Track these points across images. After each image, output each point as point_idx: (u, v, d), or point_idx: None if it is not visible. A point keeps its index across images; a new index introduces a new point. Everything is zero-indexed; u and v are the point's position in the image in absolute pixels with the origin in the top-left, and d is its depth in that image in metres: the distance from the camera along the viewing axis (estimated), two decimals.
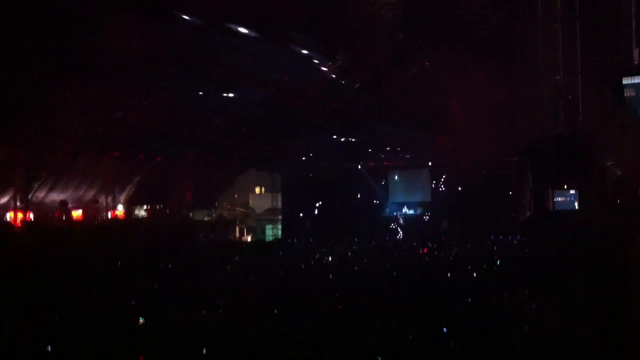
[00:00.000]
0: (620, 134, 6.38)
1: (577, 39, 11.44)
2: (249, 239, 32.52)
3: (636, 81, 4.97)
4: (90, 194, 23.95)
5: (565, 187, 6.78)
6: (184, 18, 14.36)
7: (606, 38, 8.53)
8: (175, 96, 19.87)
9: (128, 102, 19.40)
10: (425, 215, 31.56)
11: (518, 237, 23.18)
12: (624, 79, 5.02)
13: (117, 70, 16.26)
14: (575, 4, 11.52)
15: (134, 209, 27.31)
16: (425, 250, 21.12)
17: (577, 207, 6.62)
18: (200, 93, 20.02)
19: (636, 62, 5.67)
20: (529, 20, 14.38)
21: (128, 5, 13.25)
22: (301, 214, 31.92)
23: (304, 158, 29.54)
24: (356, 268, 16.56)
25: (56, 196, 21.92)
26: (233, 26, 14.97)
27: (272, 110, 21.72)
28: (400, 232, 30.75)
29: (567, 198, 6.76)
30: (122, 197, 26.02)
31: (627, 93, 5.03)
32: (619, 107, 5.50)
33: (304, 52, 16.77)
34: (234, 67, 17.88)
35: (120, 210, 25.64)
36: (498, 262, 16.29)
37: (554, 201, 6.80)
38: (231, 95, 20.53)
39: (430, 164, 31.33)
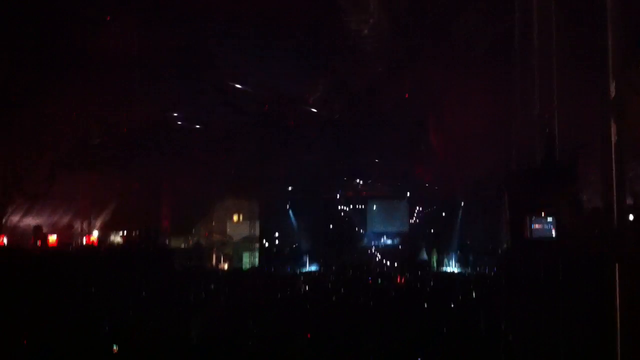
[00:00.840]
0: (595, 165, 6.48)
1: (553, 74, 11.64)
2: (226, 266, 32.25)
3: None
4: (65, 219, 23.69)
5: (543, 214, 6.84)
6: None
7: (582, 73, 8.69)
8: (153, 121, 19.82)
9: (106, 127, 19.30)
10: (403, 246, 31.60)
11: (494, 269, 23.28)
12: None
13: (95, 92, 16.20)
14: (552, 39, 11.75)
15: (110, 235, 27.02)
16: (403, 280, 21.10)
17: (554, 235, 6.67)
18: (178, 122, 19.98)
19: (612, 97, 5.79)
20: (507, 54, 14.63)
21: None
22: (278, 243, 31.81)
23: (282, 186, 29.52)
24: (334, 298, 16.48)
25: (31, 221, 21.66)
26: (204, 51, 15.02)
27: (250, 139, 21.75)
28: (378, 262, 30.74)
29: (544, 225, 6.82)
30: (98, 223, 25.75)
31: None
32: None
33: (284, 77, 16.86)
34: (210, 94, 17.90)
35: (95, 236, 25.36)
36: (474, 293, 16.32)
37: (531, 229, 6.85)
38: (207, 122, 20.51)
39: (408, 194, 31.49)
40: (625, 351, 5.20)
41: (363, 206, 32.69)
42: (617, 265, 5.28)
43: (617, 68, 5.90)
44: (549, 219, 6.74)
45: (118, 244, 27.04)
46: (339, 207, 32.42)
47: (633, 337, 5.08)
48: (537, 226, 6.84)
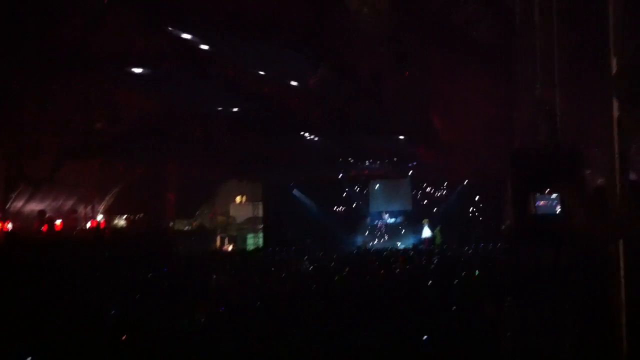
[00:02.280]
0: (597, 143, 6.47)
1: (554, 51, 11.56)
2: (230, 248, 32.43)
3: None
4: (69, 204, 23.79)
5: (547, 191, 6.85)
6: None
7: (584, 49, 8.63)
8: (155, 106, 19.82)
9: (108, 112, 19.30)
10: (407, 224, 31.72)
11: (499, 245, 23.39)
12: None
13: (97, 78, 16.21)
14: (553, 17, 11.65)
15: (114, 219, 27.15)
16: (403, 258, 21.16)
17: (558, 211, 6.68)
18: (181, 101, 19.97)
19: (614, 72, 5.75)
20: (509, 33, 14.55)
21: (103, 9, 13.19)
22: (282, 223, 31.94)
23: (285, 168, 29.55)
24: (336, 278, 16.52)
25: (35, 206, 21.75)
26: (212, 33, 15.01)
27: (254, 119, 21.75)
28: (382, 240, 30.89)
29: (549, 202, 6.83)
30: (102, 207, 25.86)
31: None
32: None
33: (289, 59, 16.82)
34: (213, 76, 17.88)
35: (99, 219, 25.48)
36: (477, 271, 16.35)
37: (535, 205, 6.87)
38: (210, 106, 20.53)
39: (410, 173, 31.53)
40: (631, 330, 5.23)
41: (365, 187, 32.78)
42: (620, 241, 5.30)
43: (617, 44, 5.86)
44: (553, 196, 6.75)
45: (122, 227, 27.19)
46: (343, 188, 32.50)
47: (638, 313, 5.11)
48: (541, 203, 6.85)
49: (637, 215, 5.26)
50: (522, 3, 12.72)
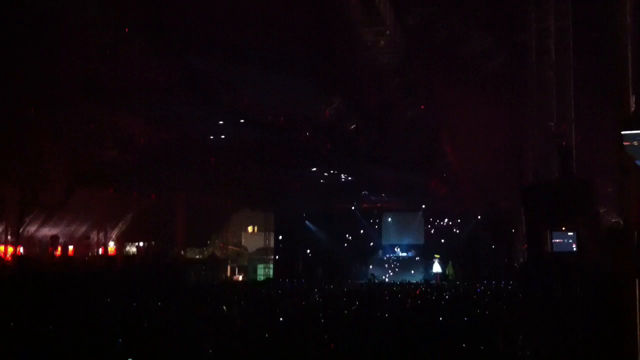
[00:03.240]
0: (615, 180, 6.42)
1: (571, 86, 11.58)
2: (240, 278, 32.31)
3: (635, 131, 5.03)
4: (81, 230, 23.86)
5: (564, 229, 6.78)
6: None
7: (601, 85, 8.63)
8: (168, 134, 19.93)
9: (123, 140, 19.43)
10: (418, 258, 31.46)
11: (510, 282, 23.16)
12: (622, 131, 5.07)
13: (112, 106, 16.35)
14: (570, 51, 11.70)
15: (126, 246, 27.17)
16: (417, 292, 20.97)
17: (574, 249, 6.60)
18: (193, 131, 20.04)
19: (633, 109, 5.73)
20: (524, 67, 14.58)
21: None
22: (294, 255, 31.82)
23: (298, 198, 29.54)
24: (345, 312, 16.36)
25: (47, 231, 21.83)
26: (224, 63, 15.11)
27: (267, 150, 21.81)
28: (393, 274, 30.62)
29: (565, 240, 6.75)
30: (114, 234, 25.90)
31: (626, 142, 5.07)
32: (619, 156, 5.53)
33: (300, 92, 16.89)
34: (226, 107, 17.97)
35: (111, 246, 25.50)
36: (486, 309, 16.16)
37: (552, 242, 6.79)
38: (223, 136, 20.60)
39: (423, 207, 31.39)
40: None
41: (378, 219, 32.62)
42: (637, 280, 5.22)
43: (636, 81, 5.85)
44: (570, 234, 6.68)
45: (134, 255, 27.19)
46: (355, 220, 32.37)
47: None
48: (557, 241, 6.78)
49: None
50: (537, 37, 12.76)
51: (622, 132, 5.04)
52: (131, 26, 13.23)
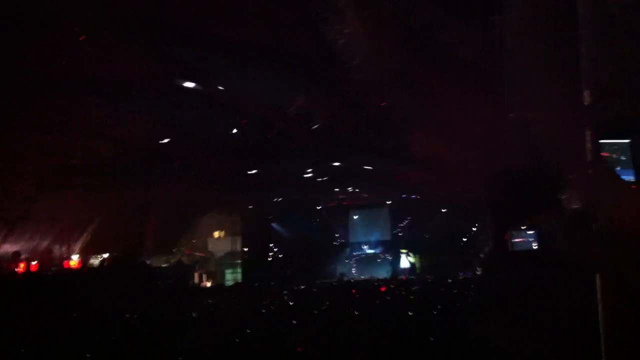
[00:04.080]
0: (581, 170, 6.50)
1: (535, 78, 11.66)
2: (209, 284, 32.08)
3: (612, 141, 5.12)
4: (44, 244, 23.43)
5: (523, 227, 6.84)
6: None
7: (562, 78, 8.72)
8: (134, 142, 19.64)
9: (84, 147, 19.07)
10: (386, 254, 31.65)
11: (478, 274, 23.44)
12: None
13: (72, 112, 16.04)
14: (538, 39, 11.73)
15: (90, 258, 26.72)
16: (384, 288, 21.10)
17: (535, 247, 6.67)
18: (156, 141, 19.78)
19: (586, 104, 5.81)
20: (490, 57, 14.65)
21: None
22: (261, 257, 31.75)
23: (264, 199, 29.46)
24: (315, 312, 16.41)
25: (9, 247, 21.40)
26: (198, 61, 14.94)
27: (232, 152, 21.64)
28: (361, 271, 30.75)
29: (526, 238, 6.81)
30: (78, 246, 25.48)
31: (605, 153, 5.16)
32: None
33: (267, 84, 16.77)
34: (193, 108, 17.76)
35: (74, 260, 25.06)
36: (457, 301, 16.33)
37: (512, 241, 6.85)
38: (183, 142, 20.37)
39: (389, 202, 31.56)
40: (609, 354, 5.22)
41: (345, 217, 32.73)
42: (597, 275, 5.30)
43: (590, 73, 5.93)
44: (530, 232, 6.74)
45: (99, 266, 26.77)
46: (321, 218, 32.43)
47: (616, 344, 5.09)
48: (518, 239, 6.84)
49: (616, 242, 5.27)
50: (506, 25, 12.84)
51: (601, 142, 5.11)
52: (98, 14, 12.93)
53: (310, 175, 26.74)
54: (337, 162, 24.76)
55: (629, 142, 4.96)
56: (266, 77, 16.33)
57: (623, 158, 4.99)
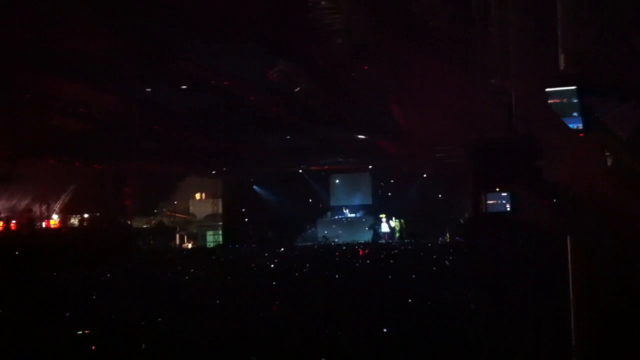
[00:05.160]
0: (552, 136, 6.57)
1: (510, 44, 11.66)
2: (190, 245, 32.18)
3: (559, 88, 5.11)
4: (23, 203, 23.32)
5: (497, 189, 6.94)
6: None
7: (538, 43, 8.75)
8: (113, 102, 19.53)
9: (63, 107, 18.95)
10: (366, 218, 31.87)
11: (456, 238, 23.67)
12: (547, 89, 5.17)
13: (54, 71, 15.91)
14: (511, 6, 11.72)
15: (70, 218, 26.68)
16: (366, 251, 21.32)
17: (508, 209, 6.78)
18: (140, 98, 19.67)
19: (562, 68, 5.86)
20: (468, 22, 14.61)
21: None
22: (242, 220, 31.80)
23: (245, 163, 29.43)
24: (297, 274, 16.55)
25: None
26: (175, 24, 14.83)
27: (213, 114, 21.58)
28: (342, 235, 30.93)
29: (500, 200, 6.92)
30: (57, 206, 25.41)
31: (551, 100, 5.16)
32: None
33: (247, 51, 16.71)
34: (173, 69, 17.68)
35: (55, 219, 25.01)
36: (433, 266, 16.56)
37: (486, 204, 6.96)
38: (169, 98, 20.29)
39: (370, 167, 31.66)
40: (578, 326, 5.37)
41: (326, 181, 32.80)
42: (568, 238, 5.43)
43: (565, 40, 5.97)
44: (504, 194, 6.85)
45: (79, 227, 26.75)
46: (303, 182, 32.46)
47: (586, 309, 5.25)
48: (492, 202, 6.95)
49: (587, 209, 5.38)
50: None
51: (547, 90, 5.13)
52: None
53: (291, 141, 26.79)
54: (317, 133, 24.85)
55: (575, 89, 4.97)
56: (240, 50, 16.33)
57: (574, 102, 5.00)
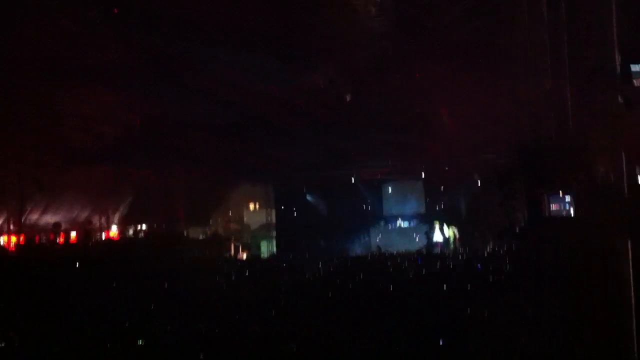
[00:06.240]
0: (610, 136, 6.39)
1: (564, 43, 11.41)
2: (245, 256, 32.41)
3: None
4: (83, 215, 23.89)
5: (560, 193, 6.74)
6: (163, 27, 14.28)
7: (591, 42, 8.53)
8: (159, 108, 19.76)
9: (114, 115, 19.27)
10: (420, 227, 31.52)
11: (513, 245, 23.15)
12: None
13: (99, 82, 16.28)
14: (562, 7, 11.48)
15: (128, 229, 27.21)
16: (419, 261, 21.09)
17: (572, 214, 6.56)
18: (184, 105, 19.86)
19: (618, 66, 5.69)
20: (515, 23, 14.38)
21: (107, 13, 13.20)
22: (295, 229, 31.86)
23: (297, 172, 29.49)
24: (350, 285, 16.47)
25: (49, 218, 21.85)
26: (213, 34, 14.98)
27: (259, 122, 21.69)
28: (396, 244, 30.65)
29: (562, 203, 6.71)
30: (116, 217, 25.95)
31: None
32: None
33: (286, 60, 16.79)
34: (215, 77, 17.84)
35: (114, 231, 25.55)
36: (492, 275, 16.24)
37: (549, 207, 6.75)
38: (214, 107, 20.44)
39: (423, 174, 31.34)
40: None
41: (379, 189, 32.61)
42: (628, 238, 5.24)
43: (622, 39, 5.79)
44: (567, 198, 6.63)
45: (137, 237, 27.25)
46: (356, 191, 32.34)
47: None
48: (554, 206, 6.74)
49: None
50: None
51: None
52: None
53: (342, 148, 26.64)
54: (361, 138, 24.66)
55: None
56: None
57: None
